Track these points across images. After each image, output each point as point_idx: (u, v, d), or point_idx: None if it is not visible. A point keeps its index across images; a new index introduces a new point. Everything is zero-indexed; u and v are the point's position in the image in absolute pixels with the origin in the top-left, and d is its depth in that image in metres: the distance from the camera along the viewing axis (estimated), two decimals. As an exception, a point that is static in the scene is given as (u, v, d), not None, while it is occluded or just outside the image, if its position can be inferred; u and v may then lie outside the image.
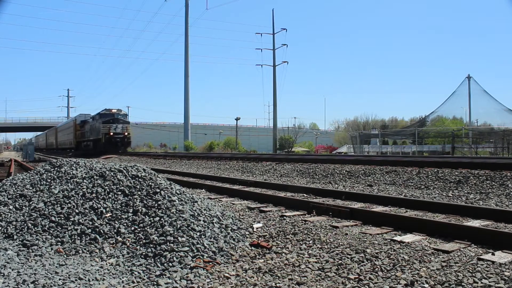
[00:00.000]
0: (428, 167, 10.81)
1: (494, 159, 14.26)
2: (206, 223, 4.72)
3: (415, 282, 3.32)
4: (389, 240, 4.68)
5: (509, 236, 4.42)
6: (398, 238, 4.78)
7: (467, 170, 9.81)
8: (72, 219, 4.67)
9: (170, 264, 3.80)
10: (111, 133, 38.68)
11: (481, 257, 3.97)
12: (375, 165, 12.31)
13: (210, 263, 3.90)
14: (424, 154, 31.26)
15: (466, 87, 55.15)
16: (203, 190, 9.85)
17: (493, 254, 4.06)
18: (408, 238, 4.78)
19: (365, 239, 4.72)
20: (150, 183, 5.46)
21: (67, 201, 4.99)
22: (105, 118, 39.70)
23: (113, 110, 40.73)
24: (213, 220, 4.93)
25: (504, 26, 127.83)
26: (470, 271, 3.55)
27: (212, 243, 4.32)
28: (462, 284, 3.26)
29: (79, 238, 4.41)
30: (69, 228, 4.53)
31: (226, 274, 3.65)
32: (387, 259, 3.93)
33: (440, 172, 10.04)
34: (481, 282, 3.27)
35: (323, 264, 3.85)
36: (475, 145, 35.89)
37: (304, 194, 8.52)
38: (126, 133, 40.01)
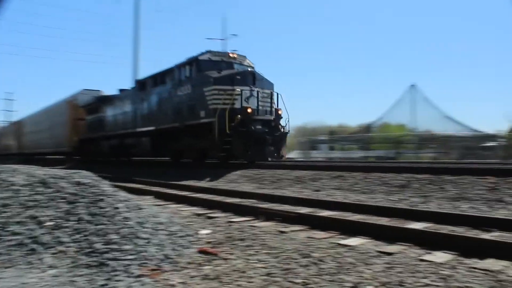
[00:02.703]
0: (373, 172, 11.09)
1: (435, 164, 14.80)
2: (152, 230, 4.64)
3: (360, 284, 3.39)
4: (335, 244, 4.77)
5: (447, 237, 4.62)
6: (343, 241, 4.87)
7: (410, 174, 10.12)
8: (9, 229, 4.47)
9: (115, 273, 3.70)
10: (248, 111, 15.60)
11: (422, 257, 4.12)
12: (323, 170, 12.51)
13: (156, 271, 3.84)
14: (369, 160, 32.13)
15: (410, 95, 57.20)
16: (151, 196, 9.70)
17: (432, 254, 4.21)
18: (354, 241, 4.89)
19: (312, 244, 4.78)
20: (95, 190, 5.31)
21: (4, 210, 4.77)
22: (215, 73, 16.24)
23: (231, 55, 17.63)
24: (160, 227, 4.85)
25: (447, 37, 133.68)
26: (412, 271, 3.67)
27: (158, 250, 4.25)
28: (404, 284, 3.36)
29: (16, 249, 4.22)
30: (5, 239, 4.33)
31: (173, 282, 3.60)
32: (333, 262, 3.99)
33: (384, 177, 10.33)
34: (421, 282, 3.39)
35: (270, 269, 3.86)
36: (418, 150, 37.23)
37: (253, 200, 8.55)
38: (278, 115, 17.02)
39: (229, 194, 9.54)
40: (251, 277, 3.66)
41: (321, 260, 4.05)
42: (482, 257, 4.08)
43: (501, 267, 3.78)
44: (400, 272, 3.64)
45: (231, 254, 4.45)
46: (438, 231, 5.13)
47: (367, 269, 3.77)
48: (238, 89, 15.78)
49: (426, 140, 42.39)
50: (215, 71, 16.37)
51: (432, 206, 7.45)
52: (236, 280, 3.60)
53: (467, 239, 4.57)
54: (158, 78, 20.20)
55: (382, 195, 8.92)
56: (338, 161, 13.69)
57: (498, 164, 11.26)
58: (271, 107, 16.90)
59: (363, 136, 43.00)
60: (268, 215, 6.47)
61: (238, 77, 16.13)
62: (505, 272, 3.64)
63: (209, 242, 4.98)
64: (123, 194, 5.53)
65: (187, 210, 7.64)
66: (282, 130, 16.82)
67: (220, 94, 15.65)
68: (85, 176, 5.74)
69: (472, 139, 39.93)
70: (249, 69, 17.35)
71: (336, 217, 6.26)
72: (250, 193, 9.28)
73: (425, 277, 3.50)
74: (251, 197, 8.89)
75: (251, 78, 16.43)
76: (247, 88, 16.06)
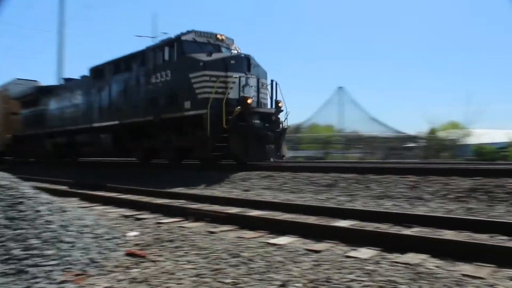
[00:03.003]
0: (302, 172, 11.31)
1: (361, 163, 15.34)
2: (77, 234, 4.46)
3: (288, 282, 3.44)
4: (264, 243, 4.81)
5: (371, 233, 4.81)
6: (273, 240, 4.93)
7: (337, 174, 10.42)
8: None
9: (35, 280, 3.52)
10: (248, 101, 13.32)
11: (348, 254, 4.25)
12: (252, 170, 12.59)
13: (81, 276, 3.69)
14: (298, 160, 32.79)
15: (338, 96, 59.09)
16: (77, 198, 9.33)
17: (357, 251, 4.36)
18: (282, 240, 4.96)
19: (242, 243, 4.80)
20: (13, 193, 5.02)
21: None
22: (204, 55, 13.95)
23: (219, 36, 15.24)
24: (85, 230, 4.67)
25: (374, 41, 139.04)
26: (338, 268, 3.78)
27: (83, 254, 4.09)
28: (331, 280, 3.45)
29: None
30: None
31: (98, 287, 3.47)
32: (262, 261, 4.02)
33: (313, 177, 10.56)
34: (347, 277, 3.50)
35: (200, 270, 3.83)
36: (346, 150, 38.47)
37: (182, 200, 8.46)
38: (278, 108, 14.81)
39: (157, 195, 9.38)
40: (181, 279, 3.61)
41: (250, 260, 4.07)
42: (403, 251, 4.28)
43: (420, 260, 3.99)
44: (327, 269, 3.74)
45: (160, 256, 4.37)
46: (363, 228, 5.33)
47: (296, 267, 3.83)
48: (235, 75, 13.54)
49: (353, 140, 43.84)
50: (203, 54, 13.98)
51: (358, 204, 7.72)
52: (165, 282, 3.53)
53: (390, 235, 4.78)
54: (122, 64, 17.44)
55: (310, 194, 9.13)
56: (267, 161, 13.84)
57: (419, 163, 11.85)
58: (271, 98, 14.80)
59: (293, 137, 43.74)
60: (198, 216, 6.43)
61: (233, 61, 13.86)
62: (423, 265, 3.85)
63: (137, 244, 4.87)
64: (45, 196, 5.27)
65: (115, 211, 7.43)
66: (281, 125, 14.76)
67: (212, 81, 13.24)
68: (2, 177, 5.42)
69: (396, 140, 41.77)
70: (242, 54, 14.65)
71: (265, 216, 6.33)
72: (179, 194, 9.17)
73: (350, 273, 3.61)
74: (180, 198, 8.80)
75: (246, 63, 14.19)
76: (243, 75, 13.77)
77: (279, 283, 3.43)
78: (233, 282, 3.50)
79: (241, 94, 13.47)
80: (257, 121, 13.67)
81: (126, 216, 6.87)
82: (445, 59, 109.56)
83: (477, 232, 5.14)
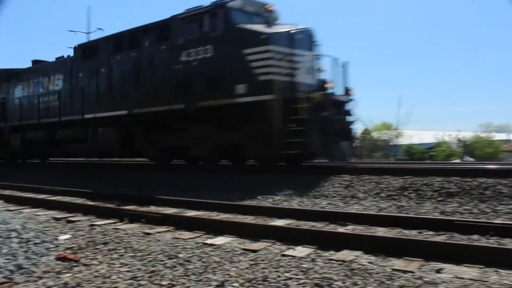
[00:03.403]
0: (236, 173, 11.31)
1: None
2: (2, 239, 4.23)
3: (226, 282, 3.42)
4: (201, 244, 4.77)
5: (307, 232, 4.90)
6: (210, 241, 4.90)
7: (276, 174, 10.49)
8: None
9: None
10: (329, 87, 11.37)
11: (284, 253, 4.30)
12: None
13: (6, 284, 3.49)
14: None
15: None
16: (1, 201, 8.84)
17: (294, 249, 4.42)
18: (220, 240, 4.94)
19: (178, 244, 4.73)
20: None
21: None
22: (261, 27, 11.08)
23: (268, 7, 12.49)
24: (11, 234, 4.44)
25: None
26: (275, 266, 3.80)
27: (9, 260, 3.88)
28: (268, 279, 3.47)
29: None
30: None
31: (26, 294, 3.31)
32: (200, 262, 3.99)
33: (248, 177, 10.58)
34: (284, 276, 3.54)
35: (136, 272, 3.73)
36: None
37: (117, 201, 8.25)
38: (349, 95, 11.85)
39: (91, 197, 9.07)
40: (115, 282, 3.51)
41: (187, 261, 4.02)
42: (338, 249, 4.38)
43: (353, 257, 4.11)
44: (264, 268, 3.76)
45: (94, 259, 4.22)
46: (299, 227, 5.42)
47: (233, 267, 3.82)
48: (304, 53, 11.19)
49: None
50: (260, 26, 11.18)
51: (294, 204, 7.84)
52: (99, 286, 3.42)
53: (325, 233, 4.88)
54: (126, 40, 13.99)
55: (248, 195, 9.13)
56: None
57: (352, 163, 12.17)
58: (342, 83, 11.72)
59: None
60: (133, 217, 6.29)
61: (299, 36, 11.23)
62: (357, 261, 3.96)
63: (69, 248, 4.68)
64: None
65: (45, 214, 7.12)
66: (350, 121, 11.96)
67: (276, 59, 10.55)
68: None
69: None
70: (306, 28, 11.82)
71: (202, 217, 6.29)
72: (114, 195, 8.91)
73: (287, 271, 3.65)
74: (115, 199, 8.56)
75: (309, 41, 11.72)
76: (307, 53, 11.35)
77: (216, 283, 3.41)
78: (169, 284, 3.44)
79: (312, 76, 11.38)
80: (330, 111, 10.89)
81: (57, 219, 6.63)
82: (381, 61, 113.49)
83: (407, 228, 5.36)
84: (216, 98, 11.26)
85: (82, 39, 45.24)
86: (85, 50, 15.60)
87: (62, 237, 5.17)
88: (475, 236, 4.91)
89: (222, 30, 11.32)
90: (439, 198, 7.51)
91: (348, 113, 11.73)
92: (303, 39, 11.32)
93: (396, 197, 7.87)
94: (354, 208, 7.20)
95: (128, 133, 13.76)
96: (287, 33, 10.98)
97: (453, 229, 5.14)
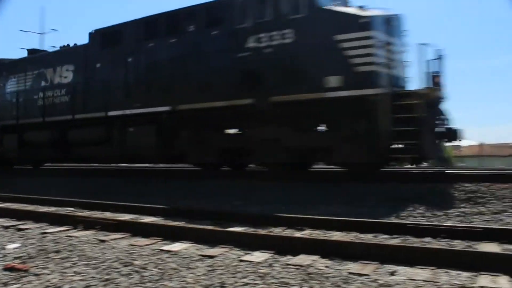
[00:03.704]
0: (197, 179, 11.26)
1: (253, 168, 15.62)
2: None
3: (182, 289, 3.39)
4: (157, 250, 4.70)
5: (264, 237, 4.92)
6: (166, 247, 4.84)
7: (231, 180, 10.49)
8: None
9: None
10: (438, 82, 9.41)
11: (242, 258, 4.30)
12: (149, 176, 12.29)
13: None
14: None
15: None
16: None
17: (251, 254, 4.43)
18: (176, 246, 4.88)
19: (134, 251, 4.65)
20: None
21: None
22: (354, 10, 9.73)
23: None
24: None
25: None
26: (232, 272, 3.80)
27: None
28: (225, 285, 3.45)
29: None
30: None
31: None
32: (156, 269, 3.93)
33: (208, 183, 10.53)
34: (241, 281, 3.53)
35: (89, 281, 3.63)
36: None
37: (71, 208, 8.03)
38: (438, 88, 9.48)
39: (42, 203, 8.78)
40: (67, 292, 3.41)
41: (143, 268, 3.96)
42: (295, 253, 4.41)
43: (310, 262, 4.14)
44: (222, 274, 3.74)
45: (45, 268, 4.08)
46: (256, 232, 5.43)
47: (190, 273, 3.79)
48: (399, 42, 10.11)
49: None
50: (352, 8, 9.90)
51: (254, 209, 7.84)
52: (50, 297, 3.31)
53: (282, 238, 4.91)
54: (161, 25, 12.01)
55: (205, 200, 9.07)
56: (162, 167, 13.52)
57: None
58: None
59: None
60: (87, 224, 6.13)
61: (394, 23, 9.99)
62: (314, 266, 4.00)
63: (18, 258, 4.50)
64: None
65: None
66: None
67: (378, 47, 9.08)
68: None
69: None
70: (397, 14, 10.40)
71: (158, 223, 6.20)
72: (67, 201, 8.66)
73: (244, 277, 3.64)
74: (68, 205, 8.31)
75: (399, 29, 10.37)
76: (401, 43, 10.21)
77: (173, 290, 3.37)
78: (125, 292, 3.37)
79: (403, 69, 10.23)
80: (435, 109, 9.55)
81: (6, 227, 6.35)
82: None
83: (362, 232, 5.47)
84: (298, 92, 9.54)
85: (35, 39, 43.73)
86: (106, 36, 13.23)
87: (11, 246, 4.98)
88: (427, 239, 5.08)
89: (307, 12, 9.65)
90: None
91: (440, 110, 9.78)
92: (395, 27, 10.05)
93: (354, 202, 8.00)
94: (311, 213, 7.25)
95: (168, 134, 11.69)
96: (385, 18, 9.61)
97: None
